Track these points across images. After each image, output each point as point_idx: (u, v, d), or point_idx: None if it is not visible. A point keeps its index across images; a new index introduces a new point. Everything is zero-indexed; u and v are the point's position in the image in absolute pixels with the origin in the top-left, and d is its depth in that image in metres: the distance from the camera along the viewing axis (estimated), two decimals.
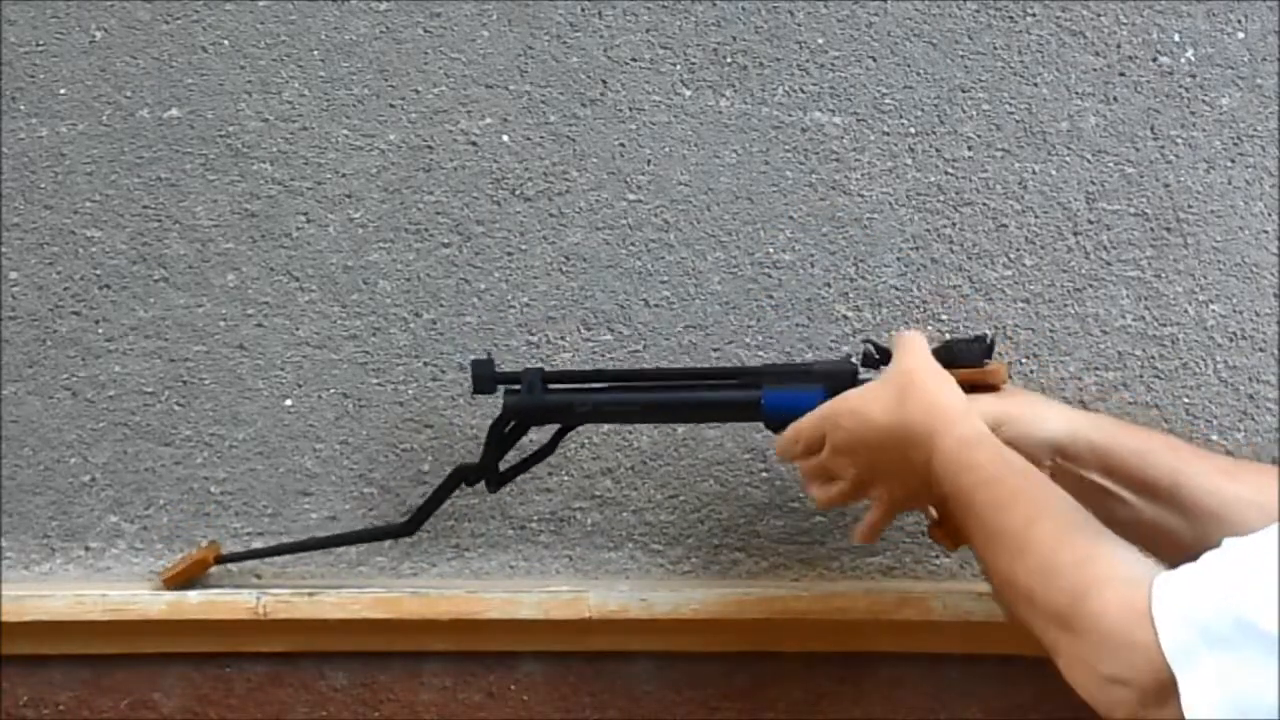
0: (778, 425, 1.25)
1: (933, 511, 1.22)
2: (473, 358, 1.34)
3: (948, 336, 1.38)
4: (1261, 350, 1.42)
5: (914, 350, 1.18)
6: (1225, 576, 0.90)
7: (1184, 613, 0.89)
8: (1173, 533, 1.14)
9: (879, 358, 1.24)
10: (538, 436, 1.36)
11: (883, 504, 1.19)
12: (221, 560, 1.40)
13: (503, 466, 1.35)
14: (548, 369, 1.33)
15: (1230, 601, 0.88)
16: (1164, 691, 0.90)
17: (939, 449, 1.11)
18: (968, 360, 1.22)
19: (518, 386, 1.30)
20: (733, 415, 1.31)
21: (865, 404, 1.17)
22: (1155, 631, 0.89)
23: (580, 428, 1.39)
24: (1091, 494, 1.19)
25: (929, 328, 1.42)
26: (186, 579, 1.39)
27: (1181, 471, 1.17)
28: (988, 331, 1.33)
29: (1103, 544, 0.98)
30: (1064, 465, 1.20)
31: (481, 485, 1.37)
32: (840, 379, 1.24)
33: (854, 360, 1.26)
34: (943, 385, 1.16)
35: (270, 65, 1.40)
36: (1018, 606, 1.02)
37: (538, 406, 1.30)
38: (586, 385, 1.31)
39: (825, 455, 1.20)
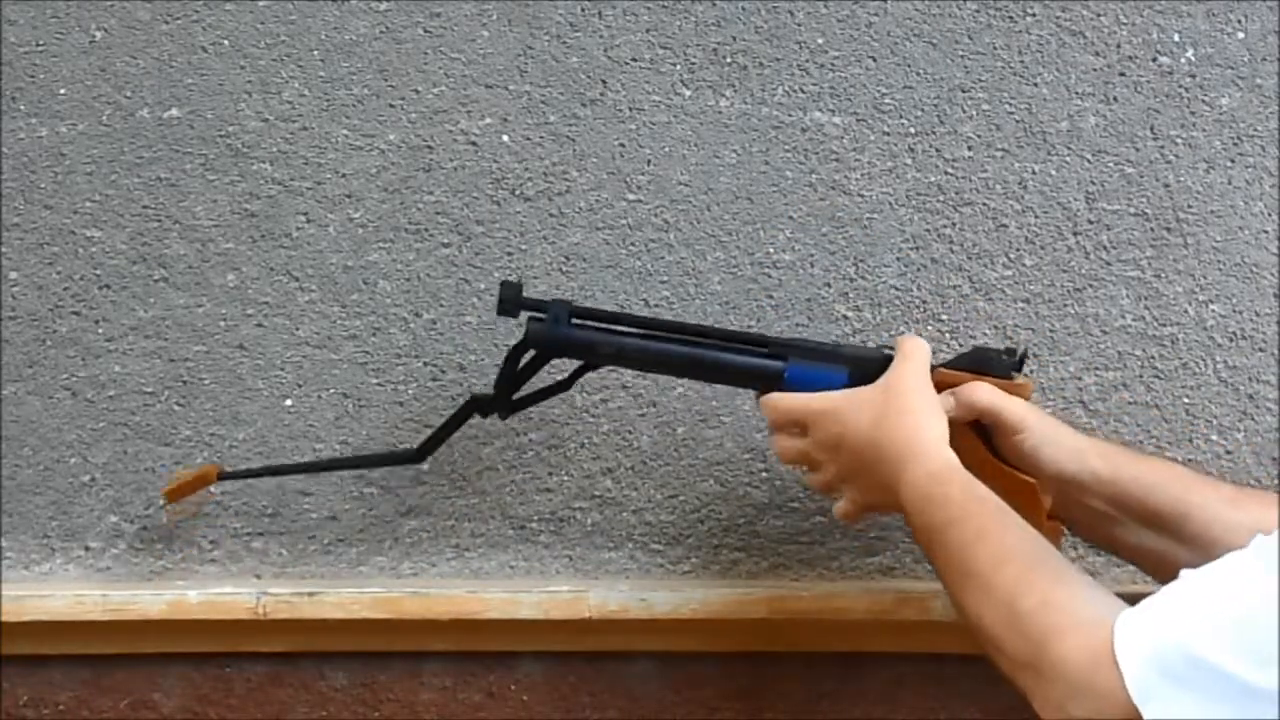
0: None
1: None
2: (504, 279, 1.31)
3: (978, 342, 1.39)
4: (1261, 350, 1.42)
5: (910, 364, 1.18)
6: (1179, 611, 0.92)
7: (1143, 652, 0.91)
8: (1179, 561, 1.14)
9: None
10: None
11: (854, 503, 1.20)
12: (224, 477, 1.37)
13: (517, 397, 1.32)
14: (576, 304, 1.30)
15: (1183, 637, 0.90)
16: None
17: (907, 480, 1.13)
18: (998, 371, 1.22)
19: (543, 315, 1.26)
20: (754, 382, 1.27)
21: (849, 410, 1.18)
22: (1119, 672, 0.91)
23: (579, 416, 1.39)
24: (1098, 521, 1.20)
25: (929, 328, 1.42)
26: (187, 494, 1.37)
27: (1187, 502, 1.18)
28: (1020, 345, 1.33)
29: (1064, 586, 1.00)
30: (1070, 492, 1.21)
31: (483, 487, 1.37)
32: (867, 365, 1.22)
33: (887, 351, 1.24)
34: (925, 411, 1.16)
35: (270, 65, 1.40)
36: (987, 649, 1.04)
37: (560, 338, 1.26)
38: (613, 327, 1.28)
39: (808, 444, 1.21)
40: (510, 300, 1.26)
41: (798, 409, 1.21)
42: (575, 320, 1.26)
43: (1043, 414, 1.24)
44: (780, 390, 1.24)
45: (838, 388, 1.22)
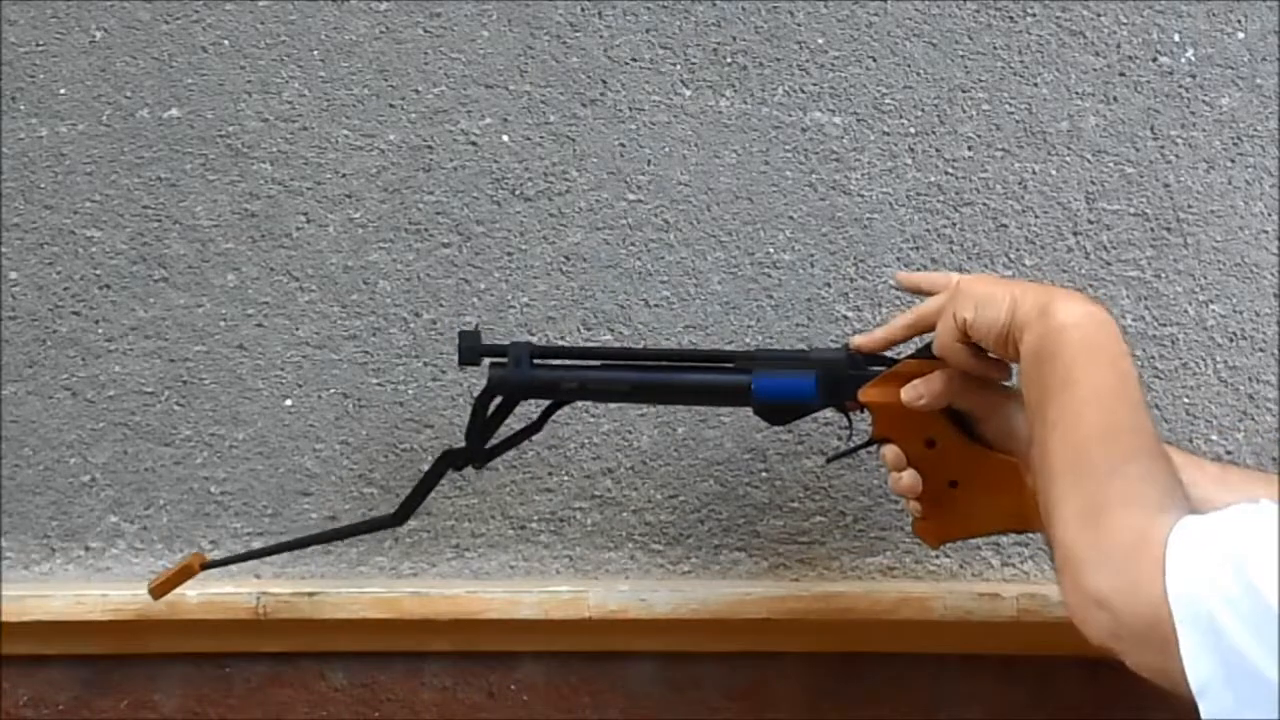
0: (767, 412, 1.24)
1: (917, 506, 1.22)
2: (460, 328, 1.32)
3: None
4: (1261, 350, 1.42)
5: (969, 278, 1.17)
6: (1242, 534, 0.86)
7: (1196, 564, 0.85)
8: None
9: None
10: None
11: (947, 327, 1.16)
12: (207, 566, 1.37)
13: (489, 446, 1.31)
14: (536, 343, 1.31)
15: (1241, 562, 0.84)
16: (1150, 633, 0.86)
17: (1067, 307, 1.07)
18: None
19: (505, 360, 1.26)
20: (722, 399, 1.27)
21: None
22: (1164, 572, 0.86)
23: (579, 416, 1.39)
24: None
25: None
26: (172, 588, 1.36)
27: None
28: None
29: (1148, 460, 0.95)
30: None
31: (483, 487, 1.37)
32: (835, 366, 1.22)
33: (848, 350, 1.24)
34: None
35: (270, 65, 1.40)
36: (1043, 477, 0.99)
37: (523, 381, 1.25)
38: (575, 362, 1.28)
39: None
40: (470, 349, 1.26)
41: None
42: (537, 360, 1.26)
43: (1016, 392, 1.21)
44: (748, 404, 1.24)
45: (807, 394, 1.22)
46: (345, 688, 1.45)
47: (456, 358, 1.26)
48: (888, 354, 1.23)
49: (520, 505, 1.44)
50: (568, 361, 1.28)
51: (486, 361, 1.26)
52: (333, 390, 1.43)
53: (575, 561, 1.44)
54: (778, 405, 1.23)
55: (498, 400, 1.27)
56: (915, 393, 1.19)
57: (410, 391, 1.43)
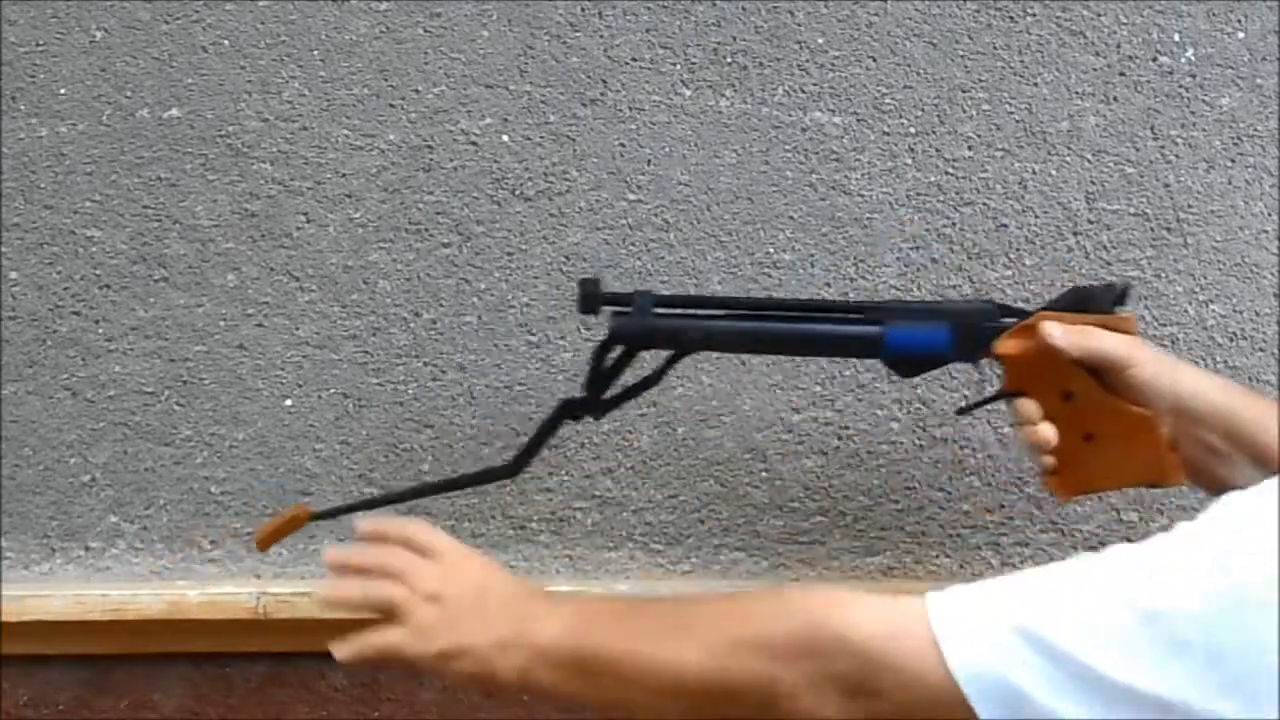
0: (898, 364, 1.21)
1: (1050, 460, 1.20)
2: (581, 276, 1.27)
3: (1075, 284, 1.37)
4: (1261, 350, 1.42)
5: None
6: (1002, 589, 0.88)
7: (974, 638, 0.86)
8: None
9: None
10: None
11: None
12: (316, 517, 1.27)
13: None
14: (660, 292, 1.26)
15: (1032, 628, 0.85)
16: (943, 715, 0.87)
17: None
18: (1100, 306, 1.20)
19: (626, 309, 1.21)
20: (852, 351, 1.23)
21: None
22: (941, 654, 0.86)
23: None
24: (1206, 458, 1.17)
25: None
26: (279, 539, 1.27)
27: None
28: (1119, 281, 1.30)
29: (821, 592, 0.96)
30: (1183, 423, 1.18)
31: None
32: (969, 318, 1.20)
33: (985, 302, 1.22)
34: None
35: (270, 65, 1.40)
36: (717, 680, 0.95)
37: (646, 330, 1.21)
38: (699, 312, 1.23)
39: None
40: (590, 297, 1.21)
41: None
42: (659, 309, 1.22)
43: (1151, 347, 1.21)
44: (879, 356, 1.21)
45: (941, 346, 1.20)
46: (345, 688, 1.45)
47: (577, 305, 1.22)
48: (1020, 307, 1.22)
49: (520, 505, 1.44)
50: (691, 311, 1.24)
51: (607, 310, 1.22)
52: (333, 390, 1.43)
53: (575, 561, 1.44)
54: (910, 357, 1.21)
55: (618, 351, 1.23)
56: (1058, 331, 1.17)
57: (410, 391, 1.43)
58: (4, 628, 1.39)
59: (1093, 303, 1.20)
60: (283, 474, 1.43)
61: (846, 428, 1.43)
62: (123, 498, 1.44)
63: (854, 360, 1.42)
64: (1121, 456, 1.18)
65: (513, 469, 1.27)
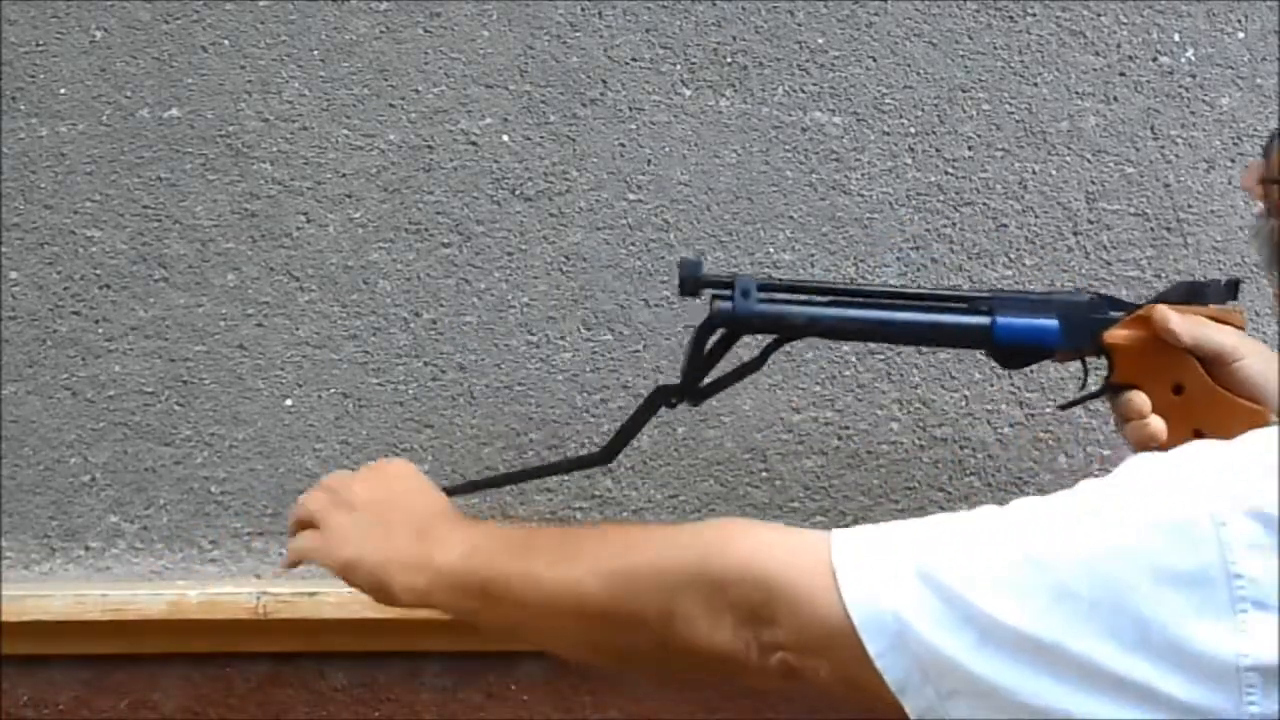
0: (1005, 356, 1.19)
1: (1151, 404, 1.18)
2: (681, 257, 1.24)
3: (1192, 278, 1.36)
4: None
5: None
6: (908, 530, 0.88)
7: (871, 574, 0.85)
8: None
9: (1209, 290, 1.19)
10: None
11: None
12: (451, 492, 1.22)
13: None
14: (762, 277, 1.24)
15: (927, 569, 0.84)
16: (830, 643, 0.86)
17: None
18: (1213, 298, 1.18)
19: (726, 293, 1.16)
20: (960, 341, 1.20)
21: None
22: (838, 586, 0.85)
23: (579, 416, 1.39)
24: None
25: None
26: None
27: None
28: (1233, 276, 1.27)
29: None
30: None
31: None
32: (1078, 309, 1.18)
33: (1091, 295, 1.19)
34: None
35: (270, 65, 1.40)
36: (598, 598, 0.94)
37: (749, 316, 1.16)
38: (801, 298, 1.19)
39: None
40: (691, 280, 1.17)
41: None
42: (762, 294, 1.18)
43: (1261, 344, 1.19)
44: (987, 347, 1.18)
45: (1051, 337, 1.17)
46: (345, 688, 1.44)
47: (677, 287, 1.17)
48: (1127, 300, 1.20)
49: (520, 505, 1.44)
50: (795, 296, 1.19)
51: (707, 293, 1.18)
52: (333, 390, 1.43)
53: None
54: (1019, 349, 1.18)
55: (717, 335, 1.19)
56: (1172, 316, 1.15)
57: (410, 391, 1.43)
58: (4, 628, 1.39)
59: (1205, 296, 1.18)
60: (283, 474, 1.43)
61: (846, 428, 1.43)
62: (123, 498, 1.44)
63: (854, 360, 1.42)
64: None
65: (606, 456, 1.25)
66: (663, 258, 1.41)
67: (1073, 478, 1.42)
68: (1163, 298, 1.19)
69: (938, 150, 1.41)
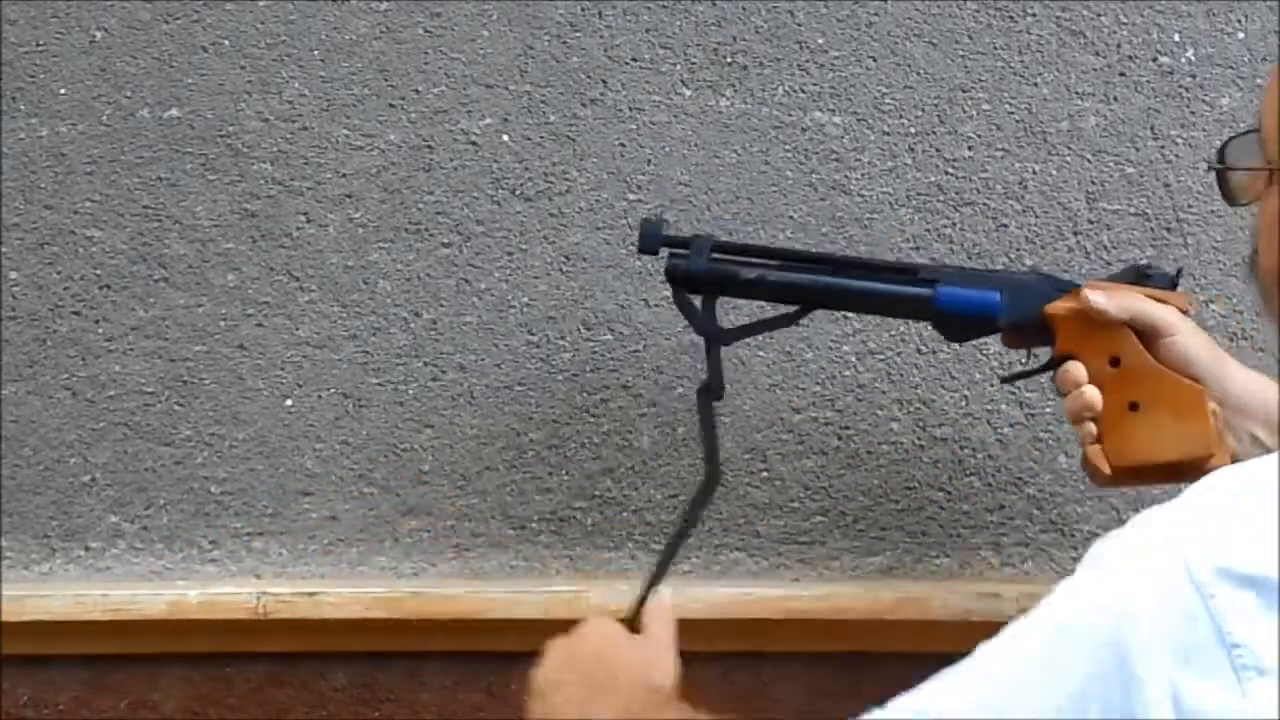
0: (948, 326, 1.22)
1: (1092, 430, 1.19)
2: (644, 216, 1.29)
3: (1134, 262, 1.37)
4: (1261, 350, 1.42)
5: None
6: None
7: None
8: None
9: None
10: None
11: None
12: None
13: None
14: (720, 239, 1.26)
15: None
16: None
17: None
18: (1157, 284, 1.20)
19: (683, 251, 1.22)
20: (902, 310, 1.24)
21: None
22: None
23: (579, 416, 1.39)
24: (1248, 446, 1.17)
25: (929, 327, 1.42)
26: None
27: None
28: (1178, 266, 1.30)
29: None
30: (1226, 412, 1.17)
31: (483, 487, 1.37)
32: (1020, 286, 1.20)
33: (1040, 273, 1.23)
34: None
35: (270, 65, 1.40)
36: None
37: (701, 272, 1.21)
38: (754, 260, 1.24)
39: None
40: (650, 236, 1.23)
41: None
42: (717, 255, 1.22)
43: (1202, 332, 1.21)
44: (930, 317, 1.21)
45: (992, 309, 1.19)
46: (345, 688, 1.44)
47: (637, 244, 1.24)
48: (1071, 279, 1.22)
49: (520, 505, 1.44)
50: (748, 259, 1.23)
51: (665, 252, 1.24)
52: (333, 390, 1.43)
53: (575, 561, 1.44)
54: (961, 318, 1.21)
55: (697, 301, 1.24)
56: (1101, 295, 1.17)
57: (410, 391, 1.43)
58: (4, 628, 1.39)
59: (1148, 279, 1.20)
60: (283, 474, 1.43)
61: (846, 428, 1.43)
62: (123, 498, 1.44)
63: (854, 360, 1.42)
64: (1168, 428, 1.16)
65: (714, 474, 1.27)
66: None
67: (1072, 478, 1.43)
68: (1109, 278, 1.21)
69: (938, 150, 1.41)
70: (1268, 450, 1.14)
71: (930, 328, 1.23)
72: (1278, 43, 1.40)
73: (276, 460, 1.43)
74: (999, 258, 1.42)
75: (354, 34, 1.40)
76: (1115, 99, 1.41)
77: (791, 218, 1.42)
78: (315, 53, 1.40)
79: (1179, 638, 0.80)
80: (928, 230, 1.42)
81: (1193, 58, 1.41)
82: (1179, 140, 1.41)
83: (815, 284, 1.22)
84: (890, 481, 1.44)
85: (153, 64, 1.40)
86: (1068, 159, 1.41)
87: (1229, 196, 1.00)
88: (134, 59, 1.40)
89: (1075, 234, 1.42)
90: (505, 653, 1.43)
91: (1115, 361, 1.18)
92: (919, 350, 1.42)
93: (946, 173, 1.42)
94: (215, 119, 1.41)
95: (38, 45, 1.40)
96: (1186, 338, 1.17)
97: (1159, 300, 1.18)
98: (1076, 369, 1.19)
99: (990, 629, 1.41)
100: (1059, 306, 1.19)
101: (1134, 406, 1.17)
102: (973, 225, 1.42)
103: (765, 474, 1.43)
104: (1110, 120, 1.41)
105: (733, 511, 1.44)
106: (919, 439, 1.43)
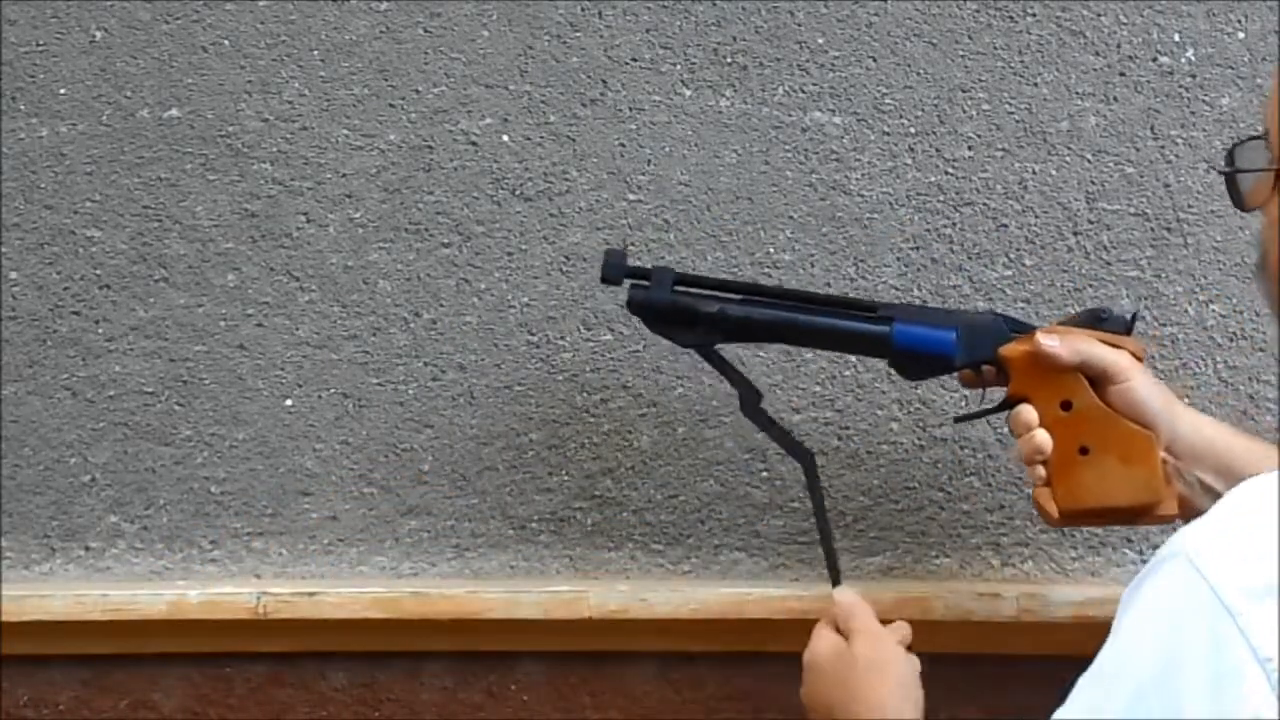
0: (904, 364, 1.24)
1: (1042, 473, 1.20)
2: (607, 247, 1.31)
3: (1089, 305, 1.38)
4: (1261, 350, 1.42)
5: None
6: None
7: None
8: None
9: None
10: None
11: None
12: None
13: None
14: (680, 271, 1.28)
15: None
16: None
17: None
18: (1112, 327, 1.21)
19: (644, 283, 1.25)
20: (859, 347, 1.27)
21: None
22: None
23: (579, 416, 1.39)
24: (1199, 492, 1.18)
25: None
26: None
27: None
28: (1135, 308, 1.32)
29: None
30: (1177, 457, 1.19)
31: (483, 486, 1.37)
32: (977, 327, 1.22)
33: (997, 314, 1.24)
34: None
35: (270, 65, 1.40)
36: None
37: (661, 303, 1.25)
38: (716, 293, 1.26)
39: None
40: (612, 266, 1.25)
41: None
42: (678, 288, 1.25)
43: (1154, 378, 1.22)
44: (887, 355, 1.23)
45: (947, 349, 1.22)
46: (345, 688, 1.45)
47: (600, 274, 1.26)
48: (1030, 323, 1.24)
49: (520, 505, 1.44)
50: (709, 292, 1.26)
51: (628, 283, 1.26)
52: (333, 390, 1.43)
53: (575, 561, 1.44)
54: (916, 356, 1.23)
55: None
56: (1053, 340, 1.19)
57: (410, 391, 1.43)
58: (4, 628, 1.39)
59: (1104, 323, 1.22)
60: (283, 474, 1.43)
61: (846, 428, 1.43)
62: (123, 498, 1.44)
63: (854, 360, 1.42)
64: (1116, 474, 1.19)
65: (804, 454, 1.29)
66: (663, 258, 1.41)
67: None
68: (1065, 322, 1.23)
69: (938, 150, 1.41)
70: (1219, 496, 1.15)
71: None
72: (1278, 43, 1.40)
73: (276, 460, 1.43)
74: (999, 257, 1.42)
75: (354, 34, 1.40)
76: (1115, 99, 1.41)
77: (791, 218, 1.42)
78: (315, 53, 1.40)
79: (1214, 667, 0.80)
80: (928, 230, 1.42)
81: (1193, 58, 1.41)
82: (1179, 140, 1.41)
83: (774, 319, 1.25)
84: (890, 481, 1.44)
85: (153, 64, 1.40)
86: (1068, 159, 1.41)
87: (1238, 201, 1.00)
88: (134, 59, 1.40)
89: (1075, 234, 1.42)
90: (505, 653, 1.44)
91: (1067, 405, 1.19)
92: None
93: (946, 173, 1.42)
94: (215, 119, 1.41)
95: (38, 45, 1.40)
96: (1138, 383, 1.19)
97: (1113, 345, 1.20)
98: (1028, 412, 1.20)
99: (990, 629, 1.42)
100: (1013, 349, 1.21)
101: (1084, 451, 1.19)
102: (973, 225, 1.42)
103: (765, 474, 1.43)
104: (1110, 120, 1.41)
105: (733, 511, 1.44)
106: (919, 439, 1.43)
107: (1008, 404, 1.22)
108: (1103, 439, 1.18)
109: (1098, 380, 1.19)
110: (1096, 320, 1.22)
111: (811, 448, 1.31)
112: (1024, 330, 1.22)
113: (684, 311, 1.25)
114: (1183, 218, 1.42)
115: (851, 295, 1.41)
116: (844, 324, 1.25)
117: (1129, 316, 1.22)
